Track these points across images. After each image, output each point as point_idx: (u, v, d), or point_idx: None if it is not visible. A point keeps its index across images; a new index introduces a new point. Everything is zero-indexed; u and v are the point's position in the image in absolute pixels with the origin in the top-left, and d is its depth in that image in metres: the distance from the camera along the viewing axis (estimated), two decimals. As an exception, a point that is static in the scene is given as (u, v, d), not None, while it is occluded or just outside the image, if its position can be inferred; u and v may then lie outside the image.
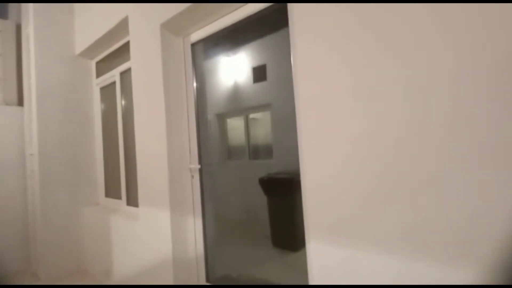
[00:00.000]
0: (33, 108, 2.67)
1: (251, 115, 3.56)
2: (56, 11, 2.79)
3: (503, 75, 0.79)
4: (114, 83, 2.72)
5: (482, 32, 0.82)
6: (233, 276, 2.14)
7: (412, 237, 0.94)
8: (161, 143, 1.90)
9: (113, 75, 2.69)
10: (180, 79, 2.02)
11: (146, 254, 2.05)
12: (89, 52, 2.82)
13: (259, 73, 3.24)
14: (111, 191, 2.83)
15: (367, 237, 1.04)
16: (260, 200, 2.82)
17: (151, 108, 1.99)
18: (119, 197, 2.66)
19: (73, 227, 2.76)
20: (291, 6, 1.28)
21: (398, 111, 0.97)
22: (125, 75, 2.55)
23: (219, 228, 2.32)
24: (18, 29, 3.15)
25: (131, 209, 2.48)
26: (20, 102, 3.09)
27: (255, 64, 3.28)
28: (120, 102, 2.63)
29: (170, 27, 1.92)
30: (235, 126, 3.79)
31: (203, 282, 1.95)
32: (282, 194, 2.58)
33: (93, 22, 2.59)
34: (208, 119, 2.16)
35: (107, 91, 2.86)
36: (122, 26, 2.30)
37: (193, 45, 2.01)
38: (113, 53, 2.71)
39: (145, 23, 2.02)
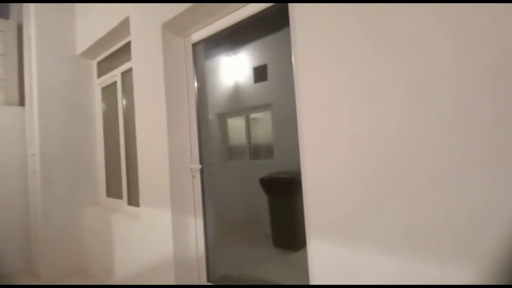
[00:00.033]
0: (34, 108, 2.68)
1: (252, 115, 3.57)
2: (57, 11, 2.80)
3: (503, 75, 0.79)
4: (115, 83, 2.73)
5: (482, 32, 0.82)
6: (234, 276, 2.14)
7: (412, 237, 0.94)
8: (162, 143, 1.91)
9: (114, 75, 2.70)
10: (181, 79, 2.02)
11: (147, 254, 2.05)
12: (90, 52, 2.83)
13: (259, 73, 3.25)
14: (112, 191, 2.83)
15: (368, 237, 1.04)
16: (261, 200, 2.83)
17: (152, 108, 1.99)
18: (120, 197, 2.67)
19: (74, 227, 2.77)
20: (292, 6, 1.29)
21: (398, 111, 0.97)
22: (126, 75, 2.56)
23: (220, 228, 2.33)
24: (20, 29, 3.15)
25: (132, 209, 2.48)
26: (22, 102, 3.10)
27: (256, 64, 3.29)
28: (121, 102, 2.64)
29: (171, 27, 1.92)
30: (236, 126, 3.79)
31: (204, 282, 1.95)
32: (283, 194, 2.58)
33: (94, 22, 2.60)
34: (209, 119, 2.16)
35: (108, 91, 2.87)
36: (123, 26, 2.31)
37: (194, 45, 2.01)
38: (114, 53, 2.72)
39: (146, 23, 2.03)
